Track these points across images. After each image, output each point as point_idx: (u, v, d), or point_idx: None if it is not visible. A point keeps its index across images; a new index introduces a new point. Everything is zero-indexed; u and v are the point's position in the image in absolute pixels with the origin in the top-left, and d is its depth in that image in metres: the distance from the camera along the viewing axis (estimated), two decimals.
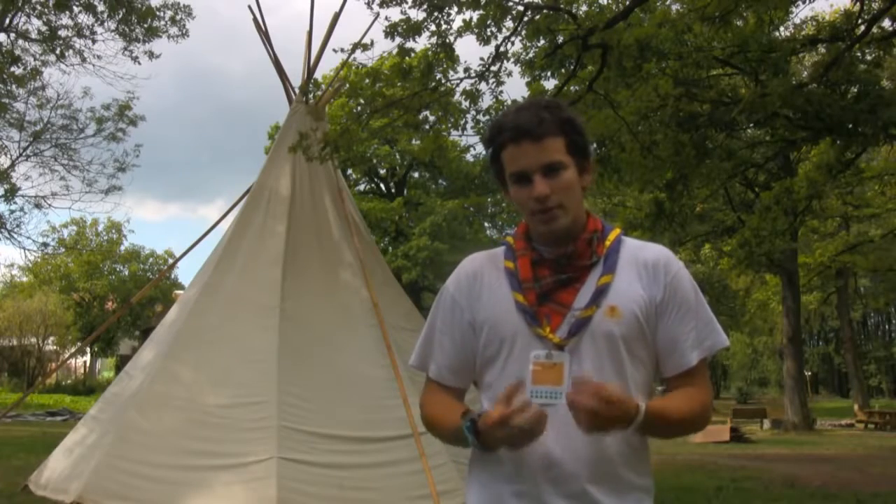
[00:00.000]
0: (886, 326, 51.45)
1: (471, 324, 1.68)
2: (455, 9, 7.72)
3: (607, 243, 1.65)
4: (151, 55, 14.16)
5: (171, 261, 36.00)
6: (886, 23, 9.86)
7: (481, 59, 8.22)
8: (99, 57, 14.74)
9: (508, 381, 1.59)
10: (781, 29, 12.83)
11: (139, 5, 13.28)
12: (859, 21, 9.67)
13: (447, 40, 7.80)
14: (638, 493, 1.60)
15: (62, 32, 13.93)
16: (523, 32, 8.52)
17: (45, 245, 24.32)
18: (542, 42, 10.02)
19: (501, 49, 8.02)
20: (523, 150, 1.59)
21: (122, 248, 37.40)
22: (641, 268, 1.64)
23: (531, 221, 1.64)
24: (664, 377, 1.69)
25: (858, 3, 9.62)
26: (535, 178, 1.58)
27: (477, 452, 1.66)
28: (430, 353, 1.75)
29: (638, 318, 1.60)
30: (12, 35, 14.15)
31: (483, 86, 8.24)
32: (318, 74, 8.78)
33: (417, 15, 7.73)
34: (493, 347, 1.64)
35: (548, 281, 1.61)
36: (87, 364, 38.95)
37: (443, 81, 8.08)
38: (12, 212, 18.70)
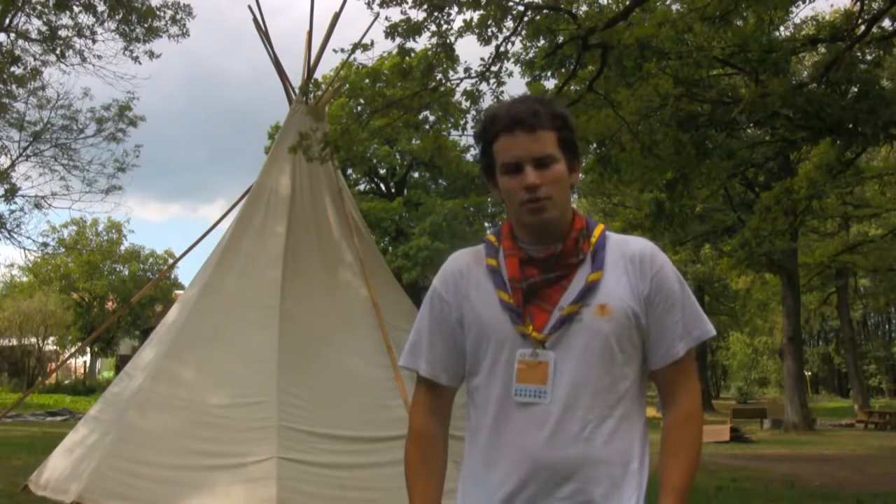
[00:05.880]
0: (886, 326, 51.46)
1: (459, 321, 1.69)
2: (455, 9, 7.71)
3: (593, 240, 1.65)
4: (152, 55, 14.11)
5: (171, 261, 36.03)
6: (886, 23, 9.86)
7: (481, 59, 8.22)
8: (99, 57, 14.68)
9: (497, 382, 1.61)
10: (781, 29, 12.80)
11: (139, 5, 13.25)
12: (859, 21, 9.67)
13: (447, 40, 7.79)
14: (633, 487, 1.59)
15: (62, 32, 13.89)
16: (523, 32, 8.51)
17: (45, 245, 24.34)
18: (543, 42, 10.01)
19: (502, 49, 8.02)
20: (517, 140, 1.59)
21: (122, 248, 37.45)
22: (628, 263, 1.64)
23: (519, 213, 1.63)
24: (652, 369, 1.67)
25: (858, 3, 9.62)
26: (527, 168, 1.58)
27: (468, 454, 1.67)
28: (420, 351, 1.74)
29: (629, 314, 1.60)
30: (12, 35, 14.12)
31: (483, 86, 8.23)
32: (318, 74, 8.78)
33: (417, 15, 7.73)
34: (481, 347, 1.65)
35: (535, 280, 1.61)
36: (87, 364, 38.95)
37: (443, 81, 8.07)
38: (12, 212, 18.73)
